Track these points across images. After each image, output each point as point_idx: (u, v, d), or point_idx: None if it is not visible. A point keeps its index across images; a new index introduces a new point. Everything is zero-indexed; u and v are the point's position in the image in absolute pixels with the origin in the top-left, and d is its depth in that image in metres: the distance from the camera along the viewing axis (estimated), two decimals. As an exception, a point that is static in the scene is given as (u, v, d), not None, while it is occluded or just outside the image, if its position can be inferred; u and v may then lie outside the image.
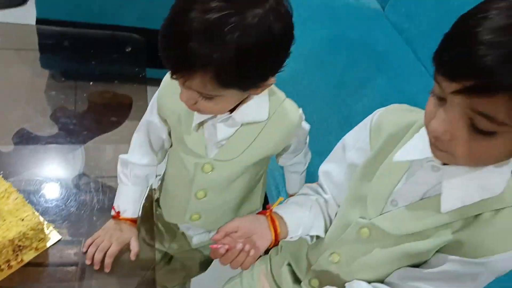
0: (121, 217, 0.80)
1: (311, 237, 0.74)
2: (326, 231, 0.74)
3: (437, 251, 0.61)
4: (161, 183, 0.89)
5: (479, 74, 0.44)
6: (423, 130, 0.56)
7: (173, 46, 0.57)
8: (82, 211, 0.84)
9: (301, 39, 0.67)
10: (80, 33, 1.40)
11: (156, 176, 0.88)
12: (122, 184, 0.82)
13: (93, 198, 0.87)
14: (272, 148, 0.75)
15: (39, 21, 1.59)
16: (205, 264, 1.03)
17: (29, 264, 0.75)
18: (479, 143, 0.48)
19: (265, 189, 0.90)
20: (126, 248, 0.79)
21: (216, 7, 0.54)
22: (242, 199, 0.84)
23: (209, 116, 0.70)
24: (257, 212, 0.75)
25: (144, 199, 0.85)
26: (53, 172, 0.92)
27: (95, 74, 1.18)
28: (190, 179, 0.77)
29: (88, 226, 0.82)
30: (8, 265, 0.73)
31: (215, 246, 0.67)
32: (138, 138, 0.82)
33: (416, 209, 0.60)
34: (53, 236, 0.79)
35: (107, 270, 0.76)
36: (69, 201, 0.86)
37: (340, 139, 0.76)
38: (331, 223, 0.75)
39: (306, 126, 0.78)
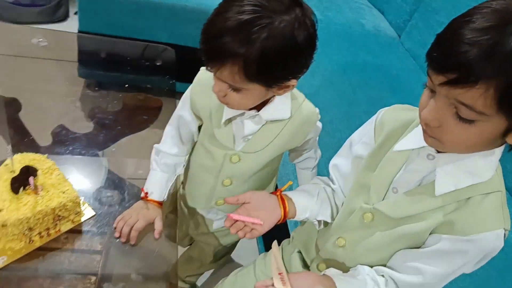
0: (148, 198, 0.89)
1: (319, 222, 0.82)
2: (332, 218, 0.81)
3: (432, 232, 0.67)
4: (185, 172, 0.97)
5: (460, 68, 0.51)
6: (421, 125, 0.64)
7: (210, 39, 0.66)
8: (114, 195, 0.94)
9: (320, 60, 0.75)
10: (116, 45, 1.52)
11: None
12: (153, 170, 0.91)
13: (125, 183, 0.98)
14: (292, 142, 0.84)
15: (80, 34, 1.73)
16: (219, 255, 1.10)
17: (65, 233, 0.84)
18: (463, 130, 0.55)
19: (277, 180, 1.01)
20: (150, 228, 0.87)
21: (249, 10, 0.63)
22: (260, 188, 0.92)
23: (238, 113, 0.79)
24: None
25: (171, 187, 0.93)
26: (88, 161, 1.03)
27: (127, 85, 1.28)
28: (218, 168, 0.86)
29: (119, 207, 0.91)
30: (48, 233, 0.82)
31: (231, 214, 0.76)
32: (169, 130, 0.91)
33: (414, 194, 0.68)
34: (87, 212, 0.88)
35: (132, 242, 0.85)
36: (104, 184, 0.96)
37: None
38: (337, 211, 0.82)
39: (320, 124, 0.86)
